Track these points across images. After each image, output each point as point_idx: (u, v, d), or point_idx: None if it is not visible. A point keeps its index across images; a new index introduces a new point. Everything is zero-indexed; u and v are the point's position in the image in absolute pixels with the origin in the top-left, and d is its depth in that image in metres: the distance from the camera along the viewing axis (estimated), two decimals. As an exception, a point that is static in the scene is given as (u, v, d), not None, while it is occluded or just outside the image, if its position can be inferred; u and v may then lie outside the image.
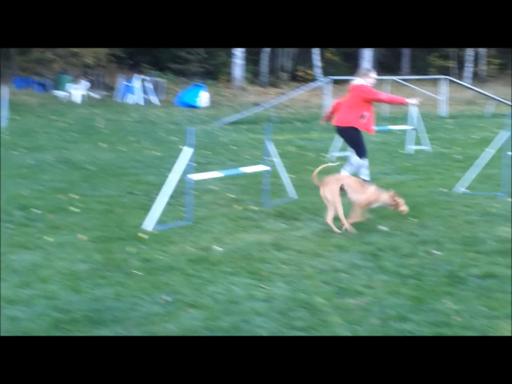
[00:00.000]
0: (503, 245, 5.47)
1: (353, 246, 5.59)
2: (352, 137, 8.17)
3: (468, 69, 32.04)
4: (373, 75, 8.26)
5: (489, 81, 32.26)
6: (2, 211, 6.71)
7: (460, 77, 30.85)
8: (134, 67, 28.63)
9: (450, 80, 22.25)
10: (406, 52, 34.58)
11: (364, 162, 8.14)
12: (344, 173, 8.13)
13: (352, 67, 33.17)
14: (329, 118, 8.82)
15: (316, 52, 30.69)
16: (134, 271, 4.90)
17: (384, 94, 8.37)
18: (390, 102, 8.67)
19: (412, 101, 8.30)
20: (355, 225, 6.17)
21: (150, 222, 6.18)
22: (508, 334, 3.70)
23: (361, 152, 8.15)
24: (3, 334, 3.70)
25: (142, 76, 25.89)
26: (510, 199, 7.28)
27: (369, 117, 8.10)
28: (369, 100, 8.10)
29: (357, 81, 8.28)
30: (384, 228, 6.18)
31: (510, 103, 22.04)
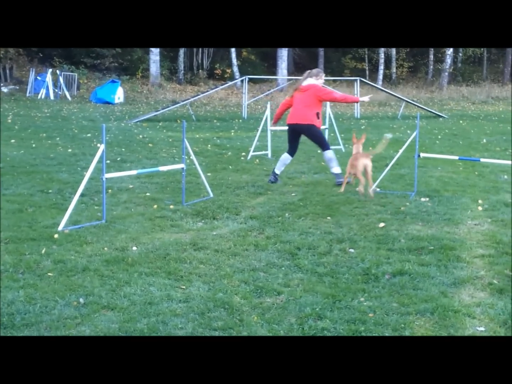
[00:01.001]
0: (414, 243, 5.68)
1: (270, 244, 5.64)
2: (316, 133, 8.67)
3: (381, 71, 33.08)
4: (323, 76, 8.80)
5: (400, 83, 33.45)
6: None
7: (373, 79, 31.81)
8: (46, 60, 27.65)
9: (364, 82, 22.89)
10: (321, 53, 35.30)
11: (332, 154, 8.67)
12: None
13: (269, 66, 33.56)
14: (278, 120, 9.35)
15: (233, 51, 30.75)
16: (47, 273, 4.74)
17: (338, 93, 8.86)
18: (344, 101, 9.14)
19: (365, 98, 8.98)
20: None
21: (63, 222, 5.99)
22: (421, 330, 3.84)
23: (326, 145, 8.73)
24: None
25: (54, 70, 25.07)
26: (421, 199, 7.57)
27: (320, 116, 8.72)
28: (325, 100, 8.76)
29: (308, 81, 8.66)
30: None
31: (420, 105, 22.96)
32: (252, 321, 3.91)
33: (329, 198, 7.64)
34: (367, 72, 34.43)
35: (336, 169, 8.58)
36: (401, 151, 8.32)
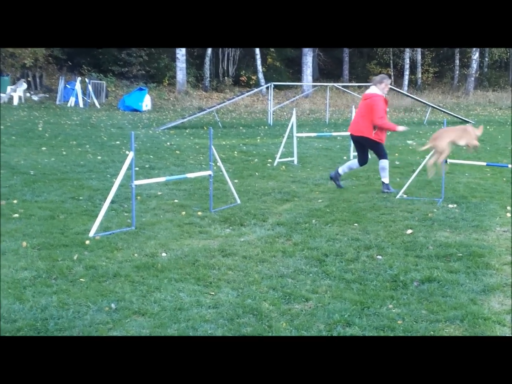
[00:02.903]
0: (442, 249, 5.66)
1: (297, 251, 5.68)
2: (371, 145, 8.56)
3: (406, 77, 32.93)
4: (388, 82, 8.52)
5: (425, 89, 33.25)
6: None
7: (398, 85, 31.67)
8: (74, 69, 28.08)
9: (389, 87, 22.81)
10: (346, 59, 35.26)
11: (386, 164, 8.54)
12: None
13: (294, 72, 33.62)
14: None
15: (258, 57, 30.88)
16: (79, 279, 4.84)
17: (381, 121, 8.32)
18: (382, 127, 8.47)
19: (401, 128, 8.68)
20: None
21: (94, 228, 6.10)
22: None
23: (383, 155, 8.59)
24: None
25: (82, 78, 25.45)
26: (449, 205, 7.54)
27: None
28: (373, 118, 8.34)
29: (371, 89, 8.49)
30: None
31: (446, 110, 22.79)
32: (281, 327, 3.95)
33: (356, 204, 7.65)
34: (392, 77, 34.27)
35: (386, 179, 8.51)
36: (428, 157, 8.29)
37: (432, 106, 22.29)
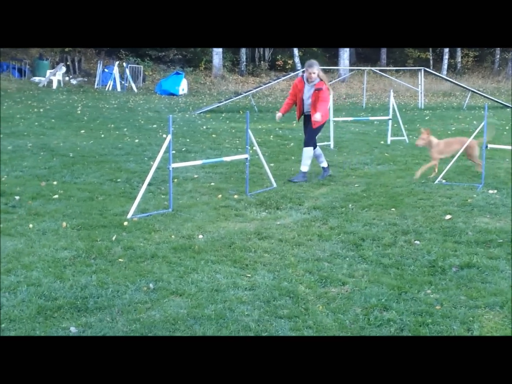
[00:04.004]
0: (482, 235, 5.57)
1: (334, 235, 5.65)
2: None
3: (445, 61, 32.30)
4: (311, 70, 8.07)
5: (465, 73, 32.58)
6: (-18, 197, 6.65)
7: (437, 69, 31.09)
8: (112, 53, 28.31)
9: (427, 71, 22.42)
10: (384, 43, 34.69)
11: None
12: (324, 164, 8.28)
13: (331, 57, 33.29)
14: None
15: (295, 42, 30.63)
16: (117, 259, 4.90)
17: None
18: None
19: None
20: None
21: (132, 210, 6.17)
22: (490, 324, 3.79)
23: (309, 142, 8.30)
24: (-14, 321, 3.69)
25: (120, 62, 25.66)
26: (489, 191, 7.40)
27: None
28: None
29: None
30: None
31: (486, 95, 22.31)
32: (318, 311, 3.94)
33: (393, 189, 7.57)
34: (431, 61, 33.68)
35: (305, 168, 8.22)
36: (468, 142, 8.14)
37: (472, 91, 21.84)
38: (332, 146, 11.34)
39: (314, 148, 8.29)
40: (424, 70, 21.57)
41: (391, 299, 4.12)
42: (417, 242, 5.43)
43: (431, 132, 8.53)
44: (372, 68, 24.28)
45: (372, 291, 4.27)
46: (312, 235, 5.64)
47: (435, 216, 6.29)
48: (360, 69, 26.05)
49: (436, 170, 8.23)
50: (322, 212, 6.48)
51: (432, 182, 7.93)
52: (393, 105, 12.31)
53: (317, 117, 7.92)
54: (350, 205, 6.75)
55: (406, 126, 12.96)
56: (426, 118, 17.50)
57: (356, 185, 7.85)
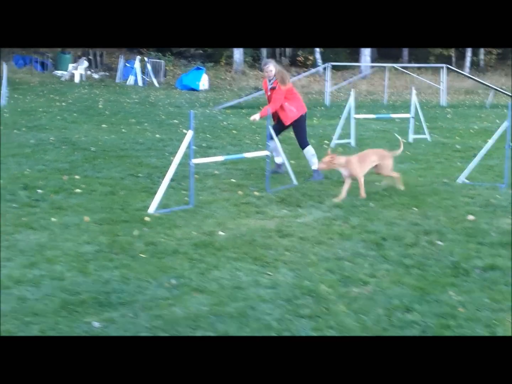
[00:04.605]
0: (505, 237, 5.50)
1: (355, 234, 5.62)
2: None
3: (468, 58, 31.96)
4: (266, 68, 8.28)
5: (488, 70, 32.22)
6: (6, 190, 6.72)
7: (459, 66, 30.78)
8: (134, 48, 28.44)
9: (450, 69, 22.21)
10: (406, 39, 34.40)
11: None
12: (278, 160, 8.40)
13: (352, 53, 33.09)
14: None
15: (316, 37, 30.53)
16: (139, 254, 4.93)
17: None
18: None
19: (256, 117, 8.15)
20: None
21: (153, 205, 6.19)
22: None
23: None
24: (11, 314, 3.73)
25: (142, 57, 25.76)
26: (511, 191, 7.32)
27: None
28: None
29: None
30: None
31: (509, 93, 22.05)
32: (339, 310, 3.93)
33: (415, 188, 7.52)
34: (453, 58, 33.32)
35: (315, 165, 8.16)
36: (491, 141, 8.05)
37: (495, 89, 21.60)
38: (353, 143, 11.28)
39: (307, 147, 8.39)
40: (447, 67, 21.37)
41: (414, 300, 4.09)
42: (440, 242, 5.38)
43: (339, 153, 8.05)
44: (394, 65, 24.11)
45: (395, 292, 4.24)
46: (333, 234, 5.62)
47: (457, 216, 6.23)
48: (381, 65, 25.89)
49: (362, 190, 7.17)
50: (343, 210, 6.45)
51: (454, 182, 7.86)
52: (414, 102, 12.22)
53: (254, 117, 8.08)
54: (371, 203, 6.72)
55: (428, 124, 12.85)
56: (448, 116, 17.34)
57: (377, 183, 7.79)
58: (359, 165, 7.14)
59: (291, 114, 8.20)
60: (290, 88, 8.20)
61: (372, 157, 7.31)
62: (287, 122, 8.22)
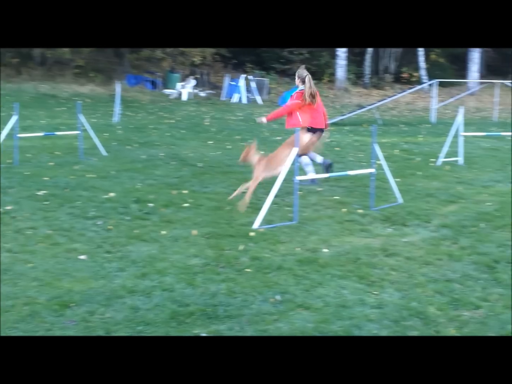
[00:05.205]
0: None
1: (465, 255, 5.43)
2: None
3: None
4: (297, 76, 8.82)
5: None
6: (120, 203, 7.05)
7: None
8: (239, 67, 29.08)
9: None
10: (518, 54, 32.98)
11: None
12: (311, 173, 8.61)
13: (459, 69, 32.10)
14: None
15: (421, 54, 29.90)
16: (245, 269, 5.00)
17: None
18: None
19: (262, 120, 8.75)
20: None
21: (258, 221, 6.28)
22: None
23: None
24: (124, 322, 3.89)
25: (247, 76, 26.27)
26: None
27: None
28: None
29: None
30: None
31: None
32: (450, 334, 3.80)
33: (530, 210, 7.15)
34: None
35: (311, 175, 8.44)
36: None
37: None
38: (461, 161, 10.91)
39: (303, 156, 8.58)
40: None
41: (530, 327, 3.89)
42: (558, 267, 5.08)
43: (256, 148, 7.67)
44: (505, 82, 23.15)
45: (508, 317, 4.05)
46: (442, 255, 5.45)
47: None
48: (491, 82, 24.91)
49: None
50: (451, 230, 6.24)
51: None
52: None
53: (261, 119, 8.69)
54: (482, 224, 6.46)
55: None
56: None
57: (488, 204, 7.50)
58: (263, 168, 7.31)
59: (294, 121, 8.64)
60: (309, 105, 8.64)
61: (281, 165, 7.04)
62: (287, 126, 8.71)
